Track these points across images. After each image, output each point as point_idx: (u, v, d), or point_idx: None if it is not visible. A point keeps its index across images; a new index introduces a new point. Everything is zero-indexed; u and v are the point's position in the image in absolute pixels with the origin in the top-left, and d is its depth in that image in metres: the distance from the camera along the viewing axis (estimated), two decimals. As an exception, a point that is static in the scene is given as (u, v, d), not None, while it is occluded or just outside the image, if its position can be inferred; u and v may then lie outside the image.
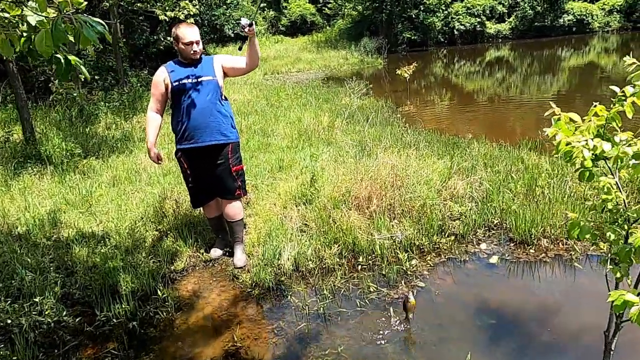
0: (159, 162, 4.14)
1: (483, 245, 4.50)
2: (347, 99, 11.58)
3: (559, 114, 2.68)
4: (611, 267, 2.53)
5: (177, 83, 3.88)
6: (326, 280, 4.13)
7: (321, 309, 3.76)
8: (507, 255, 4.33)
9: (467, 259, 4.35)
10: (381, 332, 3.47)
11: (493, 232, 4.72)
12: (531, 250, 4.36)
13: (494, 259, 4.27)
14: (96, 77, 12.87)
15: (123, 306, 3.88)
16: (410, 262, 4.28)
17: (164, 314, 3.82)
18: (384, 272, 4.15)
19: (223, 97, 4.06)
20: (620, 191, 2.68)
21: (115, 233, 4.97)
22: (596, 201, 2.72)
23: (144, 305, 3.94)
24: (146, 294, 4.08)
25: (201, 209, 4.68)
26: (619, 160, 2.56)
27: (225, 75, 4.11)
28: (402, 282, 4.04)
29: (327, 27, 33.99)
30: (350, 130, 8.43)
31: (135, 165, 7.17)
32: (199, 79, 3.90)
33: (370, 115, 9.51)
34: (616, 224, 2.62)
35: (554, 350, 3.17)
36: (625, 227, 2.54)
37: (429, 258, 4.37)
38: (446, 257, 4.38)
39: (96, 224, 5.27)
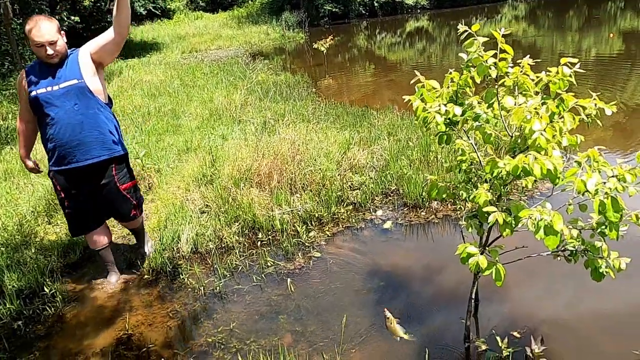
0: (38, 172, 3.71)
1: (379, 212, 4.68)
2: (263, 75, 11.44)
3: (423, 82, 2.81)
4: (463, 223, 2.72)
5: (33, 94, 3.16)
6: (225, 259, 4.13)
7: (217, 288, 3.77)
8: (400, 219, 4.53)
9: (364, 226, 4.50)
10: (275, 305, 3.55)
11: (389, 198, 4.91)
12: (422, 213, 4.59)
13: (387, 224, 4.45)
14: (-12, 62, 11.80)
15: (7, 306, 3.68)
16: (308, 235, 4.38)
17: (52, 309, 3.67)
18: (282, 247, 4.22)
19: (101, 101, 3.34)
20: (476, 152, 2.86)
21: (1, 229, 4.67)
22: (453, 163, 2.89)
23: (31, 302, 3.76)
24: (34, 291, 3.89)
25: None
26: (470, 123, 2.73)
27: (101, 64, 3.36)
28: (299, 253, 4.13)
29: (249, 1, 33.14)
30: (263, 107, 8.36)
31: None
32: (60, 86, 3.16)
33: (284, 90, 9.47)
34: (470, 182, 2.81)
35: (433, 302, 3.38)
36: (479, 185, 2.70)
37: (327, 229, 4.48)
38: (344, 226, 4.52)
39: (-19, 222, 4.92)
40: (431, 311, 3.32)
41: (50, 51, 3.13)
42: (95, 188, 3.49)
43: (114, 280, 3.98)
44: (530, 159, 2.17)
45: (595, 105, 2.59)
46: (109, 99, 3.49)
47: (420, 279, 3.69)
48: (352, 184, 5.07)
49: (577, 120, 2.53)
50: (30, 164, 3.62)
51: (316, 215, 4.61)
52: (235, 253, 4.19)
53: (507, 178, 2.41)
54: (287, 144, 5.20)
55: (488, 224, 2.37)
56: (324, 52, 13.72)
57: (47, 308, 3.69)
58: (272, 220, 4.49)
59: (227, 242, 4.33)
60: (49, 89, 3.17)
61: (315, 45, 13.67)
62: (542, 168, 2.20)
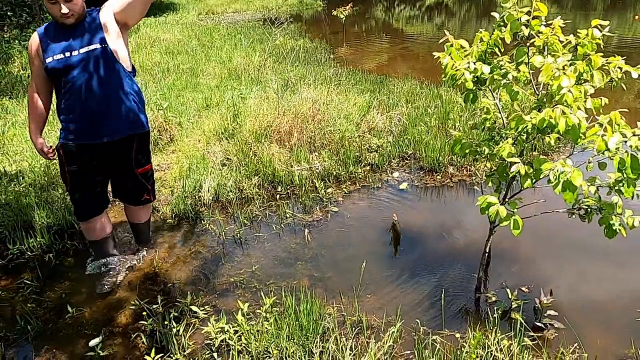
0: (50, 157, 3.09)
1: (396, 174, 4.78)
2: (281, 39, 11.39)
3: (452, 42, 2.87)
4: (486, 178, 2.83)
5: (50, 61, 2.77)
6: (245, 209, 4.28)
7: (238, 234, 3.93)
8: (416, 181, 4.64)
9: (380, 186, 4.62)
10: (294, 253, 3.70)
11: (406, 161, 5.01)
12: (438, 177, 4.69)
13: (403, 185, 4.57)
14: (8, 12, 11.82)
15: (38, 240, 3.86)
16: (326, 190, 4.50)
17: (81, 245, 3.85)
18: (301, 200, 4.35)
19: (126, 67, 2.94)
20: (500, 112, 2.95)
21: (29, 172, 4.83)
22: (478, 120, 2.97)
23: (61, 238, 3.94)
24: (62, 228, 4.06)
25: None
26: (497, 82, 2.80)
27: (125, 25, 2.94)
28: (317, 207, 4.27)
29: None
30: (280, 70, 8.39)
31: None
32: (80, 51, 2.77)
33: (303, 55, 9.46)
34: (493, 140, 2.90)
35: (446, 257, 3.52)
36: (501, 143, 2.79)
37: (344, 186, 4.60)
38: (361, 185, 4.64)
39: (9, 164, 5.09)
40: (444, 265, 3.46)
41: (65, 9, 2.70)
42: (107, 169, 3.15)
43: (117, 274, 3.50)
44: (558, 111, 2.26)
45: (621, 69, 2.67)
46: (133, 67, 3.04)
47: (434, 236, 3.82)
48: (370, 146, 5.17)
49: (605, 79, 2.59)
50: (40, 142, 3.04)
51: (334, 173, 4.72)
52: (255, 204, 4.33)
53: (532, 132, 2.49)
54: (308, 104, 5.28)
55: (509, 174, 2.47)
56: (343, 19, 13.59)
57: (76, 244, 3.87)
58: (292, 176, 4.61)
59: (247, 194, 4.46)
60: (67, 54, 2.77)
61: (334, 12, 13.54)
62: (568, 121, 2.29)
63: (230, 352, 2.63)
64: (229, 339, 2.72)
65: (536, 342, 2.73)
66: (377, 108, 5.78)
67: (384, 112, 5.79)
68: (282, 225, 4.03)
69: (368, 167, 4.87)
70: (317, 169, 4.73)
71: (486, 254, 3.04)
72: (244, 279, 3.42)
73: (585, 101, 2.54)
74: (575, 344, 2.63)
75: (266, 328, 2.74)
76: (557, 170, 2.26)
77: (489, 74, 2.76)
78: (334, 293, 3.20)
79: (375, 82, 7.52)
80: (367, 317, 2.95)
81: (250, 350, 2.63)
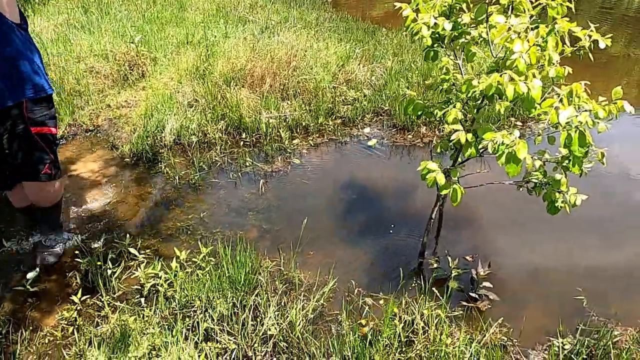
0: None
1: (366, 130, 4.64)
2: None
3: (421, -9, 2.65)
4: (436, 142, 2.70)
5: None
6: (205, 153, 4.18)
7: (194, 179, 3.85)
8: (386, 139, 4.51)
9: (348, 140, 4.50)
10: (247, 202, 3.64)
11: (380, 117, 4.85)
12: (409, 136, 4.55)
13: (372, 142, 4.44)
14: None
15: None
16: (292, 141, 4.38)
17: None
18: (264, 149, 4.24)
19: (7, 19, 2.31)
20: (461, 73, 2.78)
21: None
22: (434, 81, 2.81)
23: None
24: None
25: None
26: (456, 41, 2.62)
27: None
28: (280, 158, 4.17)
29: None
30: (272, 10, 8.00)
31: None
32: None
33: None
34: (449, 103, 2.75)
35: (400, 218, 3.46)
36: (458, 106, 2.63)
37: (311, 138, 4.48)
38: (329, 138, 4.51)
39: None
40: (395, 227, 3.41)
41: None
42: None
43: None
44: (505, 78, 2.10)
45: (590, 37, 2.48)
46: (21, 15, 2.43)
47: (393, 196, 3.74)
48: (345, 98, 4.99)
49: (567, 50, 2.42)
50: None
51: (303, 124, 4.58)
52: (217, 149, 4.22)
53: (479, 98, 2.35)
54: (285, 49, 5.05)
55: (451, 141, 2.35)
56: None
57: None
58: (259, 123, 4.47)
59: (210, 138, 4.35)
60: None
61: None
62: (517, 89, 2.14)
63: (158, 299, 2.62)
64: (159, 285, 2.70)
65: (470, 312, 2.71)
66: (360, 59, 5.53)
67: (366, 63, 5.55)
68: (240, 174, 3.95)
69: (339, 121, 4.72)
70: (286, 118, 4.59)
71: (432, 220, 2.97)
72: (191, 225, 3.37)
73: (548, 69, 2.40)
74: (502, 318, 2.61)
75: (197, 277, 2.72)
76: (497, 142, 2.14)
77: (451, 31, 2.58)
78: (279, 246, 3.16)
79: (367, 31, 7.18)
80: (305, 274, 2.93)
81: (177, 298, 2.62)
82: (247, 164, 4.06)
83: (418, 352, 2.33)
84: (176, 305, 2.59)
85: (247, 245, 2.94)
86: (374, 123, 4.77)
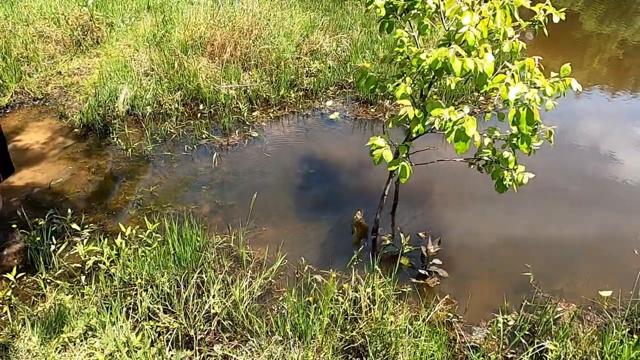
0: None
1: (329, 103, 4.54)
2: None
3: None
4: (388, 118, 2.63)
5: None
6: (160, 125, 4.03)
7: (146, 151, 3.72)
8: (348, 112, 4.42)
9: (310, 114, 4.40)
10: (202, 176, 3.54)
11: (344, 90, 4.74)
12: (372, 110, 4.47)
13: (334, 115, 4.35)
14: None
15: None
16: (251, 114, 4.26)
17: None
18: (222, 122, 4.11)
19: None
20: (417, 45, 2.69)
21: None
22: (387, 54, 2.72)
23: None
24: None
25: None
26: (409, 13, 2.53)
27: None
28: (237, 131, 4.05)
29: None
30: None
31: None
32: None
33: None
34: (403, 77, 2.67)
35: (356, 195, 3.41)
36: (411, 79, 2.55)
37: (271, 111, 4.36)
38: (290, 110, 4.40)
39: None
40: (351, 203, 3.35)
41: None
42: None
43: None
44: (451, 52, 2.03)
45: (545, 11, 2.43)
46: None
47: (351, 172, 3.69)
48: (308, 69, 4.85)
49: (522, 25, 2.36)
50: None
51: (264, 95, 4.45)
52: (172, 121, 4.07)
53: (428, 74, 2.28)
54: (247, 17, 4.85)
55: (399, 118, 2.29)
56: None
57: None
58: (217, 94, 4.32)
59: (166, 109, 4.19)
60: None
61: None
62: (464, 65, 2.07)
63: (99, 277, 2.53)
64: (101, 263, 2.61)
65: (419, 288, 2.71)
66: (326, 29, 5.37)
67: (333, 34, 5.39)
68: (195, 147, 3.83)
69: (302, 93, 4.60)
70: (247, 89, 4.44)
71: (385, 197, 2.93)
72: (141, 199, 3.26)
73: (502, 44, 2.34)
74: (449, 295, 2.62)
75: (143, 254, 2.63)
76: (444, 118, 2.09)
77: (404, 1, 2.48)
78: (231, 222, 3.08)
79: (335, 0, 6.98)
80: (255, 251, 2.87)
81: (119, 275, 2.53)
82: (204, 136, 3.94)
83: (361, 330, 2.31)
84: (118, 283, 2.51)
85: (196, 221, 2.86)
86: (338, 96, 4.67)
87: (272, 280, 2.67)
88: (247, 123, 4.14)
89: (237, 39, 4.73)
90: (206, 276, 2.53)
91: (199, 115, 4.20)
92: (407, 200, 3.30)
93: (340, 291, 2.55)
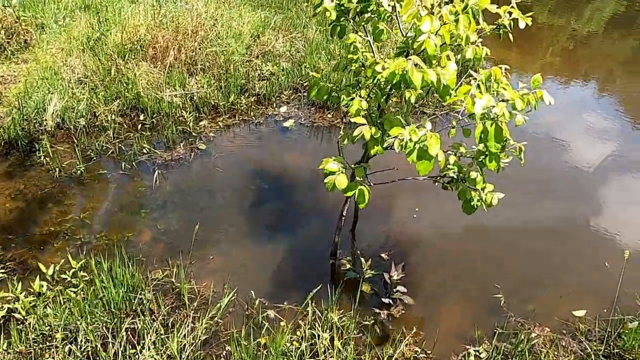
0: None
1: (283, 109, 4.23)
2: None
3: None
4: (342, 133, 2.36)
5: None
6: (94, 140, 3.62)
7: (79, 171, 3.31)
8: (303, 119, 4.13)
9: (263, 121, 4.08)
10: (141, 198, 3.18)
11: (299, 94, 4.44)
12: (329, 115, 4.20)
13: (288, 123, 4.05)
14: None
15: None
16: (198, 123, 3.91)
17: None
18: (165, 134, 3.74)
19: None
20: (373, 52, 2.42)
21: None
22: (342, 61, 2.45)
23: None
24: None
25: None
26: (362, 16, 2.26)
27: None
28: (182, 144, 3.69)
29: None
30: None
31: None
32: None
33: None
34: (358, 87, 2.40)
35: (314, 213, 3.14)
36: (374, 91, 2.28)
37: (221, 119, 4.01)
38: (241, 119, 4.07)
39: None
40: (308, 223, 3.09)
41: None
42: None
43: None
44: (410, 64, 1.78)
45: (510, 15, 2.21)
46: None
47: (308, 186, 3.40)
48: (261, 72, 4.53)
49: (486, 29, 2.14)
50: None
51: (212, 102, 4.10)
52: (109, 134, 3.67)
53: (384, 87, 2.02)
54: (192, 17, 4.48)
55: (354, 138, 2.02)
56: None
57: None
58: (160, 103, 3.94)
59: (101, 121, 3.78)
60: None
61: None
62: (425, 77, 1.82)
63: (10, 331, 2.15)
64: (15, 312, 2.23)
65: (383, 319, 2.47)
66: (279, 29, 5.05)
67: (286, 33, 5.07)
68: (134, 163, 3.45)
69: (254, 98, 4.28)
70: (193, 96, 4.08)
71: (343, 217, 2.67)
72: (70, 229, 2.88)
73: (466, 49, 2.10)
74: (415, 327, 2.38)
75: (66, 298, 2.27)
76: (404, 139, 1.83)
77: (357, 3, 2.21)
78: (173, 251, 2.75)
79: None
80: (201, 285, 2.55)
81: (38, 327, 2.16)
82: (144, 151, 3.56)
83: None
84: (36, 337, 2.14)
85: (133, 252, 2.52)
86: (292, 101, 4.37)
87: (219, 320, 2.36)
88: (194, 134, 3.79)
89: (182, 41, 4.35)
90: (140, 323, 2.20)
91: (139, 127, 3.81)
92: (368, 216, 3.05)
93: (296, 332, 2.27)
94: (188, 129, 3.82)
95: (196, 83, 4.24)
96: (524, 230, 3.10)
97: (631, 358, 2.28)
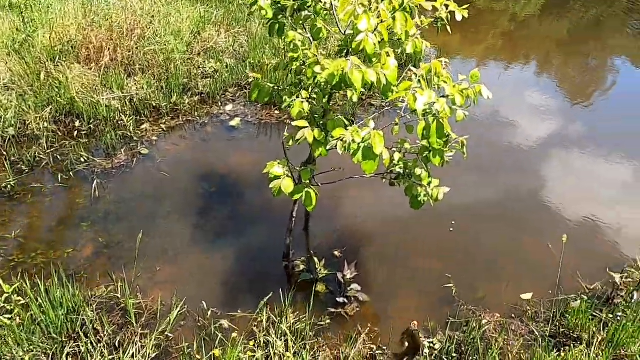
0: None
1: (229, 107, 4.13)
2: None
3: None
4: (286, 134, 2.31)
5: None
6: (25, 150, 3.39)
7: (8, 186, 3.09)
8: (250, 117, 4.04)
9: (208, 121, 3.96)
10: (81, 210, 3.01)
11: (244, 91, 4.34)
12: (276, 112, 4.13)
13: (235, 122, 3.95)
14: None
15: None
16: (139, 127, 3.74)
17: None
18: (104, 140, 3.55)
19: None
20: (317, 52, 2.37)
21: None
22: (282, 59, 2.39)
23: None
24: None
25: None
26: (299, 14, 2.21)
27: None
28: (123, 149, 3.52)
29: None
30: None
31: None
32: None
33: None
34: (300, 86, 2.35)
35: (264, 215, 3.07)
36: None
37: (163, 122, 3.86)
38: (185, 119, 3.93)
39: None
40: (260, 224, 3.03)
41: None
42: None
43: None
44: (349, 65, 1.74)
45: (447, 7, 2.21)
46: None
47: (257, 186, 3.31)
48: (203, 70, 4.39)
49: (424, 22, 2.13)
50: None
51: (153, 104, 3.93)
52: (42, 144, 3.45)
53: (325, 87, 1.99)
54: (127, 14, 4.26)
55: (298, 141, 1.97)
56: None
57: None
58: (96, 107, 3.74)
59: (32, 129, 3.54)
60: None
61: None
62: (365, 77, 1.80)
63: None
64: (-58, 346, 2.06)
65: (338, 319, 2.45)
66: (221, 24, 4.90)
67: (228, 28, 4.93)
68: (72, 173, 3.26)
69: (197, 98, 4.14)
70: (132, 98, 3.90)
71: (294, 219, 2.63)
72: (2, 250, 2.68)
73: (406, 43, 2.09)
74: (370, 325, 2.39)
75: (-1, 327, 2.12)
76: (347, 140, 1.80)
77: (294, 1, 2.16)
78: (117, 265, 2.62)
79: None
80: (148, 299, 2.45)
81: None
82: (82, 160, 3.38)
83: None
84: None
85: (73, 270, 2.38)
86: (238, 98, 4.26)
87: (170, 335, 2.28)
88: (135, 139, 3.62)
89: (117, 41, 4.14)
90: (84, 346, 2.08)
91: (75, 134, 3.60)
92: (320, 215, 3.02)
93: (250, 338, 2.22)
94: (128, 133, 3.64)
95: (135, 84, 4.06)
96: (471, 216, 3.16)
97: (575, 336, 2.38)
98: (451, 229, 3.04)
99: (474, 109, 3.96)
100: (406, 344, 2.38)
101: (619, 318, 2.38)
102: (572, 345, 2.28)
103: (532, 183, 3.52)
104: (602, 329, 2.35)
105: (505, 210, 3.26)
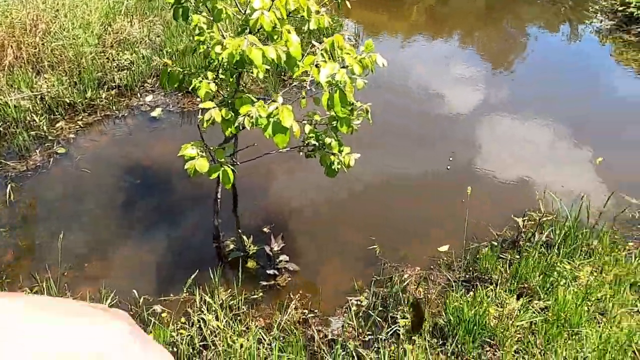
0: None
1: (149, 98, 4.07)
2: None
3: None
4: (200, 117, 2.35)
5: None
6: None
7: None
8: (172, 106, 4.01)
9: (128, 114, 3.89)
10: (-4, 214, 2.90)
11: (164, 81, 4.28)
12: (198, 99, 4.10)
13: (156, 112, 3.91)
14: None
15: None
16: (54, 126, 3.62)
17: None
18: (16, 142, 3.41)
19: None
20: (222, 34, 2.41)
21: None
22: (191, 44, 2.42)
23: None
24: None
25: None
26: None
27: None
28: (38, 150, 3.40)
29: None
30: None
31: None
32: None
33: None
34: (209, 69, 2.39)
35: (192, 201, 3.10)
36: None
37: (80, 118, 3.75)
38: (103, 114, 3.84)
39: None
40: (188, 210, 3.05)
41: None
42: None
43: None
44: (245, 43, 1.82)
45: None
46: None
47: (182, 174, 3.27)
48: (119, 62, 4.28)
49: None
50: None
51: (67, 101, 3.80)
52: (-54, 151, 3.27)
53: (228, 67, 2.05)
54: (28, 9, 4.06)
55: (207, 122, 2.03)
56: None
57: None
58: (4, 108, 3.57)
59: None
60: None
61: None
62: (265, 54, 1.88)
63: None
64: None
65: (271, 289, 2.55)
66: (133, 13, 4.77)
67: (142, 18, 4.81)
68: (-18, 180, 3.12)
69: (114, 91, 4.04)
70: (43, 96, 3.75)
71: (218, 200, 2.68)
72: None
73: (308, 19, 2.18)
74: (302, 292, 2.51)
75: None
76: (253, 115, 1.89)
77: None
78: (41, 268, 2.57)
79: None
80: (75, 295, 2.43)
81: None
82: (-7, 164, 3.23)
83: (210, 360, 2.09)
84: None
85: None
86: (158, 89, 4.20)
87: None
88: (50, 138, 3.51)
89: (20, 37, 3.95)
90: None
91: (-18, 138, 3.43)
92: (247, 194, 3.09)
93: (185, 318, 2.27)
94: (43, 133, 3.52)
95: (45, 82, 3.90)
96: (394, 180, 3.35)
97: (487, 278, 2.62)
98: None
99: (404, 81, 4.21)
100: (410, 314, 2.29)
101: (521, 256, 2.65)
102: (483, 285, 2.52)
103: (451, 147, 3.75)
104: (508, 267, 2.60)
105: (425, 174, 3.47)
